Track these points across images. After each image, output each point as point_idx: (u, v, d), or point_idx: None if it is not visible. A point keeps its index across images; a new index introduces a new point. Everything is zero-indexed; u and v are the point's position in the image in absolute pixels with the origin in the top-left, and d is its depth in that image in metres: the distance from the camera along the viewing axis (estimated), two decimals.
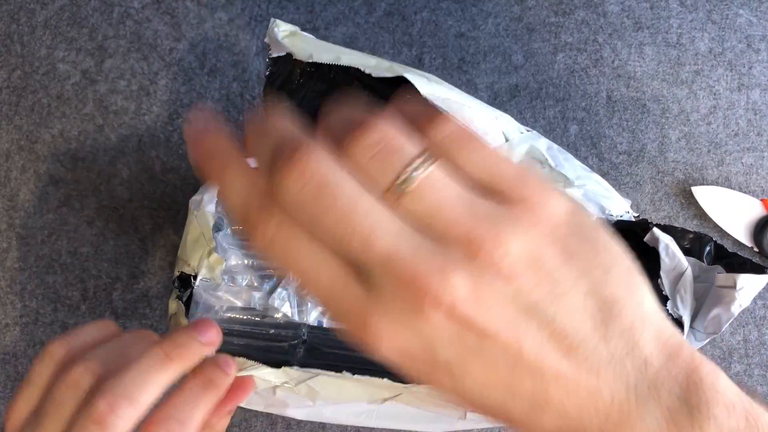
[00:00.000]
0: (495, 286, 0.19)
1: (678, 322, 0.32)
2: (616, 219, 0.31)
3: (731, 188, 0.47)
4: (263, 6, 0.47)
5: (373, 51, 0.47)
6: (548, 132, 0.47)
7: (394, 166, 0.19)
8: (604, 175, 0.47)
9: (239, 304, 0.32)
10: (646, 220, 0.32)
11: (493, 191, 0.20)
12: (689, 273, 0.32)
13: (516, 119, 0.47)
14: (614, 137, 0.47)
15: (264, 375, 0.29)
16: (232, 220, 0.25)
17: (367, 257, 0.19)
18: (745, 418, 0.20)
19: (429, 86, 0.29)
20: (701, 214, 0.46)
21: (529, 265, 0.19)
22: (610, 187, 0.34)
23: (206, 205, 0.32)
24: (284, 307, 0.34)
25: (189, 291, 0.32)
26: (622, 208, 0.32)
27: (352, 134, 0.19)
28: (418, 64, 0.47)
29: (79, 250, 0.45)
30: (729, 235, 0.46)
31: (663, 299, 0.32)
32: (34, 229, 0.45)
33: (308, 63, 0.29)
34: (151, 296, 0.45)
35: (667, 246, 0.31)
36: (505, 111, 0.47)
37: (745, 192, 0.47)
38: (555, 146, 0.33)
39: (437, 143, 0.20)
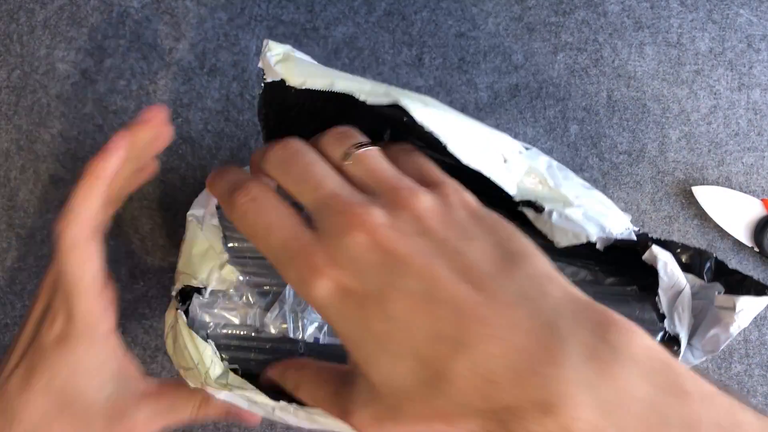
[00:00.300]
0: (409, 221, 0.24)
1: (675, 340, 0.32)
2: (616, 237, 0.31)
3: (732, 188, 0.47)
4: (263, 6, 0.47)
5: (373, 51, 0.47)
6: (548, 132, 0.47)
7: (345, 144, 0.27)
8: (604, 175, 0.47)
9: (235, 321, 0.32)
10: (646, 234, 0.31)
11: (419, 181, 0.26)
12: (687, 291, 0.31)
13: (516, 119, 0.47)
14: (614, 137, 0.47)
15: (263, 399, 0.29)
16: (220, 199, 0.27)
17: (317, 196, 0.25)
18: (661, 360, 0.21)
19: (425, 110, 0.28)
20: (701, 214, 0.46)
21: (440, 214, 0.24)
22: (611, 203, 0.33)
23: (210, 219, 0.31)
24: (280, 323, 0.34)
25: (188, 304, 0.31)
26: (622, 225, 0.32)
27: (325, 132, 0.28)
28: (418, 63, 0.47)
29: None
30: (729, 235, 0.46)
31: (660, 317, 0.32)
32: (34, 229, 0.45)
33: (301, 90, 0.28)
34: (150, 296, 0.45)
35: (666, 264, 0.31)
36: (505, 111, 0.47)
37: (745, 192, 0.47)
38: (555, 164, 0.33)
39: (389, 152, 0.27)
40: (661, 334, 0.32)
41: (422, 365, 0.22)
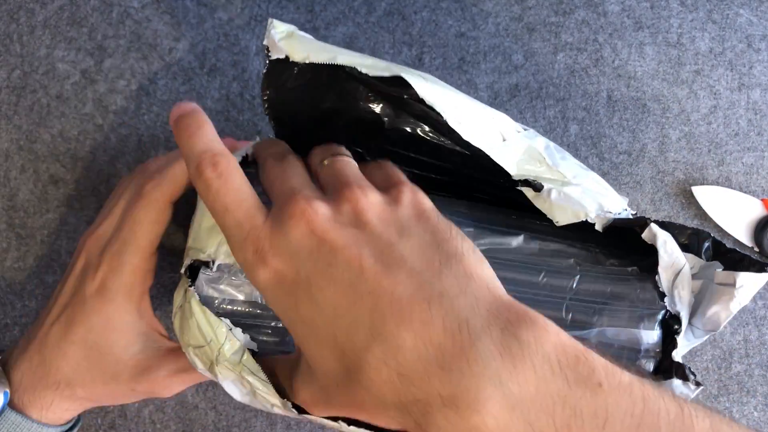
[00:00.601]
0: (348, 215, 0.25)
1: (676, 318, 0.32)
2: (614, 216, 0.31)
3: (731, 188, 0.47)
4: (263, 6, 0.47)
5: (373, 51, 0.47)
6: (548, 132, 0.47)
7: (326, 153, 0.29)
8: (604, 175, 0.47)
9: (241, 297, 0.32)
10: (644, 217, 0.32)
11: (383, 185, 0.27)
12: (687, 269, 0.31)
13: (516, 119, 0.47)
14: (614, 137, 0.47)
15: (267, 395, 0.29)
16: (185, 158, 0.28)
17: (280, 188, 0.27)
18: (575, 356, 0.22)
19: (426, 85, 0.29)
20: (701, 214, 0.46)
21: (382, 211, 0.25)
22: (608, 185, 0.33)
23: None
24: None
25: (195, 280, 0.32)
26: (619, 206, 0.32)
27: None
28: (418, 63, 0.47)
29: None
30: (729, 235, 0.46)
31: (660, 295, 0.32)
32: (33, 229, 0.45)
33: (305, 64, 0.29)
34: (150, 296, 0.45)
35: (665, 242, 0.31)
36: (506, 111, 0.47)
37: (745, 192, 0.47)
38: (552, 145, 0.33)
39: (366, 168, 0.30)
40: (662, 312, 0.32)
41: (342, 354, 0.23)
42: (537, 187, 0.31)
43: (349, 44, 0.47)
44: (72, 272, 0.36)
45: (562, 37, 0.48)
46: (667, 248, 0.31)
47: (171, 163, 0.35)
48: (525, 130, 0.32)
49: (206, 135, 0.28)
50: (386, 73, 0.28)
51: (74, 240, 0.45)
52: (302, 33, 0.30)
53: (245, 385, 0.30)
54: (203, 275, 0.31)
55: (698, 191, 0.46)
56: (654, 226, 0.31)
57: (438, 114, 0.29)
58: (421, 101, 0.29)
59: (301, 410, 0.28)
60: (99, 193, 0.45)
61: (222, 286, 0.32)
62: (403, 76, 0.28)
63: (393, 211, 0.25)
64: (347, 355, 0.23)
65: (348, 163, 0.29)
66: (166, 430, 0.43)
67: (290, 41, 0.29)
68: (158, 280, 0.45)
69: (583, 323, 0.32)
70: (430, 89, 0.29)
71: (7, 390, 0.34)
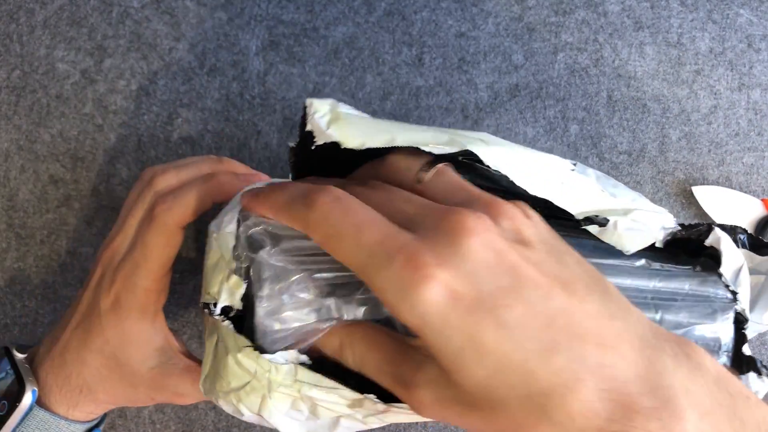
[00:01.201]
0: (511, 231, 0.23)
1: (741, 314, 0.32)
2: (674, 230, 0.31)
3: (732, 188, 0.47)
4: (263, 6, 0.47)
5: (372, 51, 0.47)
6: (548, 132, 0.47)
7: (417, 163, 0.27)
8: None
9: (311, 318, 0.28)
10: (708, 223, 0.32)
11: None
12: (746, 267, 0.32)
13: (516, 119, 0.47)
14: (615, 137, 0.47)
15: (333, 405, 0.27)
16: (283, 208, 0.25)
17: (412, 207, 0.24)
18: (724, 371, 0.23)
19: (488, 150, 0.28)
20: (702, 214, 0.46)
21: (531, 226, 0.24)
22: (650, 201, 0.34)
23: (226, 226, 0.28)
24: (359, 305, 0.29)
25: (248, 318, 0.28)
26: (671, 220, 0.32)
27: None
28: (418, 63, 0.47)
29: (78, 250, 0.45)
30: None
31: (732, 293, 0.32)
32: (33, 229, 0.45)
33: (361, 150, 0.27)
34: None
35: (728, 243, 0.32)
36: (505, 111, 0.47)
37: (745, 192, 0.47)
38: (602, 175, 0.32)
39: None
40: (733, 310, 0.32)
41: (530, 379, 0.21)
42: (602, 223, 0.31)
43: (349, 44, 0.47)
44: (90, 283, 0.37)
45: (562, 37, 0.48)
46: (729, 248, 0.31)
47: (183, 186, 0.35)
48: (574, 165, 0.32)
49: (293, 183, 0.26)
50: (455, 149, 0.26)
51: (74, 240, 0.45)
52: (345, 108, 0.28)
53: (302, 408, 0.28)
54: (261, 309, 0.27)
55: (698, 191, 0.46)
56: (718, 230, 0.32)
57: (504, 176, 0.28)
58: (487, 167, 0.28)
59: (388, 399, 0.25)
60: (99, 193, 0.45)
61: (285, 314, 0.27)
62: (469, 148, 0.27)
63: (539, 231, 0.24)
64: (539, 380, 0.21)
65: (453, 172, 0.26)
66: (166, 430, 0.43)
67: (340, 126, 0.27)
68: None
69: (668, 322, 0.32)
70: (494, 154, 0.28)
71: (35, 388, 0.35)
